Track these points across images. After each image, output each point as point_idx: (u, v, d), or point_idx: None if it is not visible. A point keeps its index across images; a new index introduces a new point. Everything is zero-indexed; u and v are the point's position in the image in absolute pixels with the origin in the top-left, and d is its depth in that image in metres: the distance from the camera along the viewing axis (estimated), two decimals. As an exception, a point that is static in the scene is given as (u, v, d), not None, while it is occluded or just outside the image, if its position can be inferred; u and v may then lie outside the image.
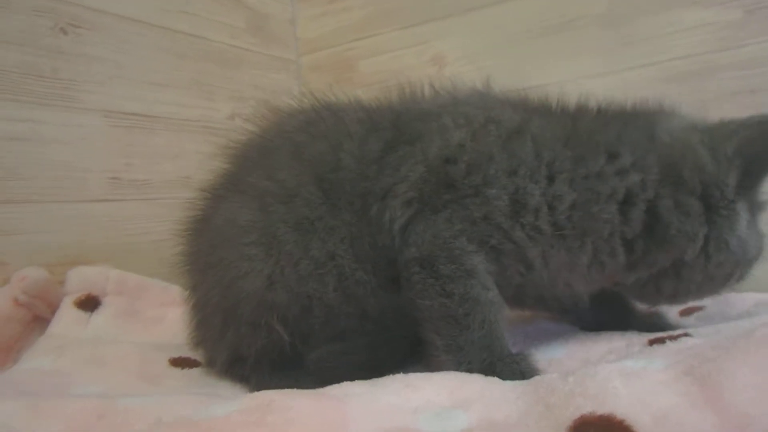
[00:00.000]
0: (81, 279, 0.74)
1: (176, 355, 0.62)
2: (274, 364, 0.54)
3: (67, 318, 0.69)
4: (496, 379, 0.46)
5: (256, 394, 0.40)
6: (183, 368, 0.59)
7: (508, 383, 0.45)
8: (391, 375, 0.45)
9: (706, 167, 0.51)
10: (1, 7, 0.74)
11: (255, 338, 0.54)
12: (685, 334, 0.50)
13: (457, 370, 0.50)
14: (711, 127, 0.54)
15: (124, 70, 0.87)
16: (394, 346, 0.56)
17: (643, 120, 0.56)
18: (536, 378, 0.45)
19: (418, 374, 0.45)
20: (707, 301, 0.67)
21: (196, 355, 0.62)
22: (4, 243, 0.71)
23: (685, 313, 0.67)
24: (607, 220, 0.51)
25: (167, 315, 0.74)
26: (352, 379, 0.48)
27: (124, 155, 0.87)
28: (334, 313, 0.53)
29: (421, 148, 0.55)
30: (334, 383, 0.46)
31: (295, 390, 0.42)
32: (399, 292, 0.54)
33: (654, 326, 0.61)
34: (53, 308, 0.72)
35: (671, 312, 0.67)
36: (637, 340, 0.53)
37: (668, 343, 0.48)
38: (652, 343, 0.50)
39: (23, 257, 0.73)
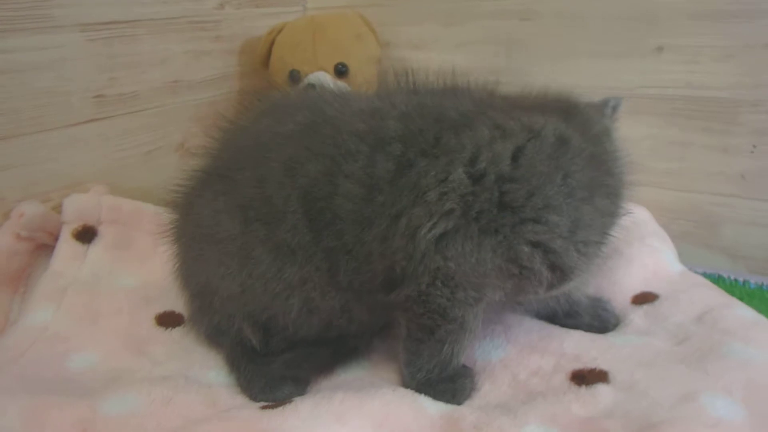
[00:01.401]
0: (76, 208, 0.78)
1: (162, 309, 0.69)
2: (245, 351, 0.60)
3: (66, 251, 0.75)
4: (426, 406, 0.52)
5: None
6: (167, 328, 0.67)
7: (432, 417, 0.51)
8: (329, 398, 0.52)
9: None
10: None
11: (229, 328, 0.60)
12: (603, 378, 0.54)
13: (407, 370, 0.57)
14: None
15: (94, -28, 0.80)
16: (351, 348, 0.62)
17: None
18: (458, 415, 0.51)
19: (353, 401, 0.51)
20: (662, 291, 0.70)
21: (180, 307, 0.69)
22: (-2, 180, 0.75)
23: (638, 301, 0.69)
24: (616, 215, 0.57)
25: (159, 246, 0.79)
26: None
27: (107, 70, 0.84)
28: (297, 328, 0.57)
29: (452, 160, 0.52)
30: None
31: (238, 429, 0.48)
32: (372, 304, 0.56)
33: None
34: (55, 236, 0.78)
35: (623, 298, 0.70)
36: (565, 362, 0.57)
37: (582, 390, 0.52)
38: (573, 378, 0.55)
39: (19, 190, 0.77)
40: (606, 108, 0.62)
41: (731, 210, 0.87)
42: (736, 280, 0.82)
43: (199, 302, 0.62)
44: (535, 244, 0.51)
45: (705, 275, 0.80)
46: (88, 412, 0.50)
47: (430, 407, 0.53)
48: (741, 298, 0.76)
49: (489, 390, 0.57)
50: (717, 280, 0.82)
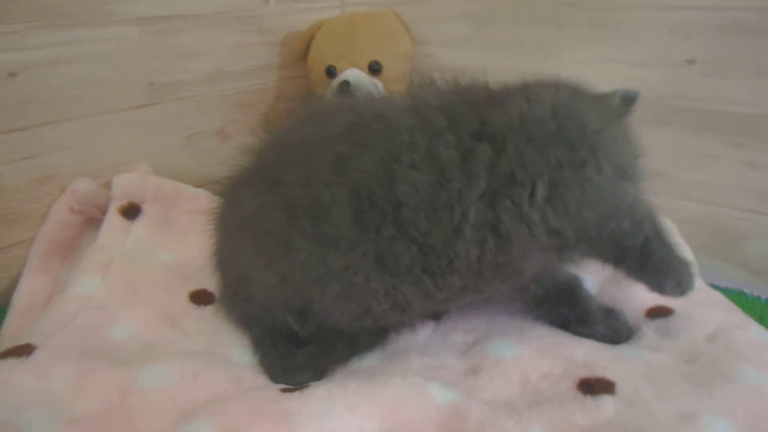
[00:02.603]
0: (123, 186, 0.85)
1: (195, 287, 0.73)
2: (271, 336, 0.63)
3: (113, 226, 0.81)
4: (434, 395, 0.54)
5: (226, 419, 0.51)
6: (199, 305, 0.71)
7: (439, 408, 0.53)
8: (343, 386, 0.54)
9: None
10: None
11: (262, 315, 0.63)
12: (610, 389, 0.54)
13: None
14: None
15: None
16: (370, 343, 0.64)
17: None
18: (465, 409, 0.52)
19: (365, 390, 0.54)
20: (677, 306, 0.70)
21: (211, 286, 0.72)
22: (56, 158, 0.82)
23: (652, 314, 0.69)
24: None
25: (196, 225, 0.81)
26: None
27: (159, 59, 0.90)
28: (330, 314, 0.59)
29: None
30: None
31: (260, 410, 0.51)
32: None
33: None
34: (103, 211, 0.84)
35: (638, 310, 0.71)
36: (574, 369, 0.58)
37: (588, 399, 0.53)
38: (580, 386, 0.56)
39: (73, 167, 0.84)
40: (614, 98, 0.64)
41: (755, 226, 0.86)
42: (758, 296, 0.82)
43: (234, 289, 0.65)
44: None
45: (727, 290, 0.80)
46: (126, 381, 0.55)
47: (438, 396, 0.54)
48: (762, 315, 0.76)
49: (500, 386, 0.58)
50: (738, 295, 0.82)
